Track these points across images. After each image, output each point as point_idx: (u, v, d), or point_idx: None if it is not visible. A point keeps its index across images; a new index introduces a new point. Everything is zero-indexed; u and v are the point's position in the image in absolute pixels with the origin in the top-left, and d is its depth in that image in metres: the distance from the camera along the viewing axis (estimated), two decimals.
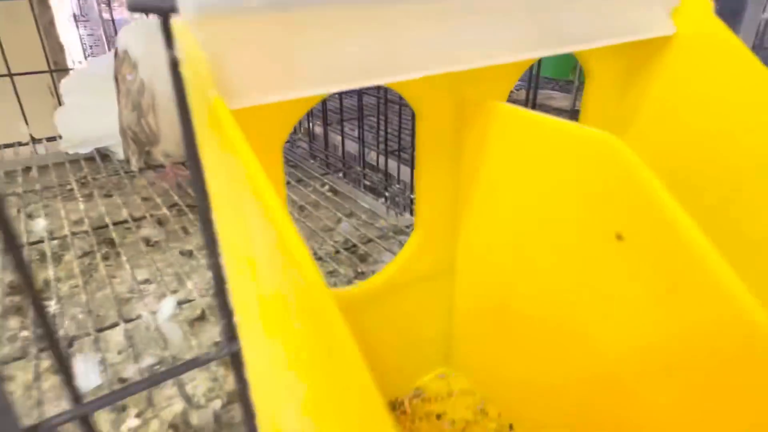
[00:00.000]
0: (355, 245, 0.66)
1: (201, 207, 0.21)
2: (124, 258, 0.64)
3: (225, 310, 0.23)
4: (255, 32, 0.17)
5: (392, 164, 0.88)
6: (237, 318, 0.23)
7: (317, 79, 0.18)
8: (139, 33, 0.70)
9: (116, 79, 0.73)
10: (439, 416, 0.34)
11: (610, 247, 0.20)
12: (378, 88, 0.94)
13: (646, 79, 0.30)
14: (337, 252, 0.64)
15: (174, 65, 0.18)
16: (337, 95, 1.02)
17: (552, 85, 1.44)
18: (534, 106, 0.64)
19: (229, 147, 0.14)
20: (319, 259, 0.63)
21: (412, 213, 0.73)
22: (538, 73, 0.60)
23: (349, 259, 0.63)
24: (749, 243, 0.26)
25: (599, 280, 0.21)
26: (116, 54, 0.72)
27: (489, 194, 0.27)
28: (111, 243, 0.69)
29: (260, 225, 0.16)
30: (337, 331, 0.14)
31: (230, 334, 0.24)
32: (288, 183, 0.85)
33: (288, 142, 1.06)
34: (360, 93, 0.88)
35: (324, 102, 1.00)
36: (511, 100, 0.30)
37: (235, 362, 0.25)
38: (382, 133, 0.93)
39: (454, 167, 0.28)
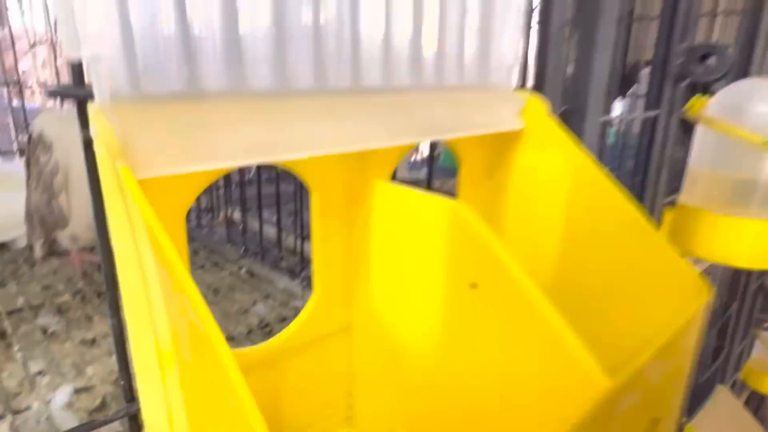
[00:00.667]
0: (268, 324, 0.66)
1: (105, 266, 0.22)
2: (15, 348, 0.60)
3: (125, 372, 0.24)
4: (160, 117, 0.20)
5: (309, 247, 0.91)
6: (139, 382, 0.24)
7: (215, 155, 0.22)
8: (54, 117, 0.71)
9: (27, 164, 0.72)
10: None
11: (467, 295, 0.24)
12: (294, 177, 0.99)
13: (506, 165, 0.36)
14: (250, 331, 0.64)
15: (87, 144, 0.20)
16: (255, 183, 1.05)
17: None
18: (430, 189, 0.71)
19: (133, 207, 0.17)
20: (232, 339, 0.63)
21: None
22: (431, 159, 0.68)
23: (262, 339, 0.63)
24: (584, 293, 0.31)
25: (462, 322, 0.25)
26: (29, 139, 0.72)
27: (377, 259, 0.31)
28: (2, 334, 0.64)
29: (160, 277, 0.18)
30: (235, 383, 0.16)
31: (130, 395, 0.25)
32: (203, 267, 0.84)
33: (205, 228, 1.06)
34: (277, 181, 0.92)
35: (242, 190, 1.03)
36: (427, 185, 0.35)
37: (133, 424, 0.25)
38: (299, 218, 0.96)
39: (346, 235, 0.32)
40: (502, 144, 0.36)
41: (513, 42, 0.34)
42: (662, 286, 0.27)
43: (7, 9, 1.44)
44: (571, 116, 0.47)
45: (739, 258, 0.67)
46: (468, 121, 0.32)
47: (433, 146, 0.97)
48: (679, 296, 0.26)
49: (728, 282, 1.43)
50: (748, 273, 1.36)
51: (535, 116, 0.34)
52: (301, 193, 0.89)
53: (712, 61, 0.58)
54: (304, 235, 0.91)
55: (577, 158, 0.31)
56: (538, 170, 0.34)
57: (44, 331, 0.65)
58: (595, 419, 0.19)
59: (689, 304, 0.25)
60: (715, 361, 1.36)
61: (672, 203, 0.71)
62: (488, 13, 0.32)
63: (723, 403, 1.25)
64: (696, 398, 1.26)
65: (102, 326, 0.66)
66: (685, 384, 0.28)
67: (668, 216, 0.71)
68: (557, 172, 0.33)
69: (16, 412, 0.47)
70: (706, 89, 0.66)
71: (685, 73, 0.60)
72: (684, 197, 0.69)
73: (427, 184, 0.70)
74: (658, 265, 0.27)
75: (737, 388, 1.62)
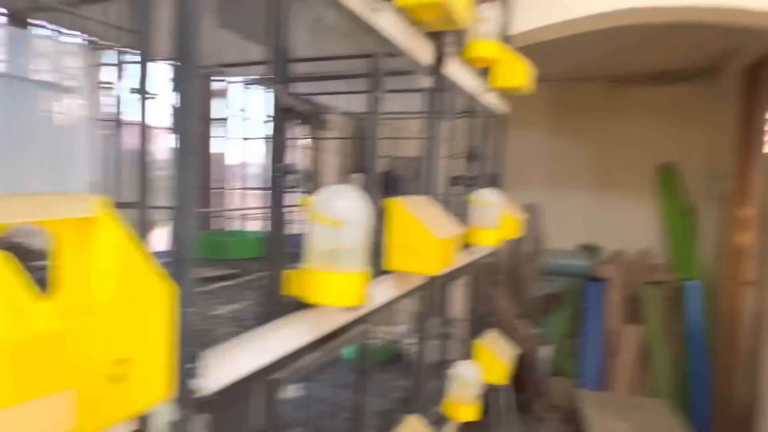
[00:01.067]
0: None
1: None
2: None
3: None
4: None
5: None
6: None
7: None
8: None
9: None
10: None
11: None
12: None
13: (93, 238, 0.59)
14: None
15: None
16: None
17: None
18: None
19: None
20: None
21: None
22: None
23: None
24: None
25: None
26: None
27: None
28: None
29: None
30: None
31: None
32: None
33: None
34: None
35: None
36: None
37: None
38: None
39: None
40: (92, 224, 0.59)
41: (86, 176, 0.59)
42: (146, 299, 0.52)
43: None
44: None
45: (336, 300, 1.00)
46: (53, 211, 0.55)
47: None
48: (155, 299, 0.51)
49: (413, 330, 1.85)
50: (424, 321, 1.80)
51: (102, 209, 0.58)
52: None
53: (293, 176, 0.92)
54: None
55: (117, 231, 0.56)
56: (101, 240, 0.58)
57: None
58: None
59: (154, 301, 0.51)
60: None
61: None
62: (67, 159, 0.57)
63: (410, 426, 1.59)
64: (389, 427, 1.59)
65: None
66: (162, 348, 0.52)
67: (294, 276, 1.01)
68: (111, 241, 0.57)
69: None
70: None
71: (282, 184, 0.93)
72: (305, 263, 1.02)
73: None
74: (148, 288, 0.53)
75: (440, 420, 2.02)
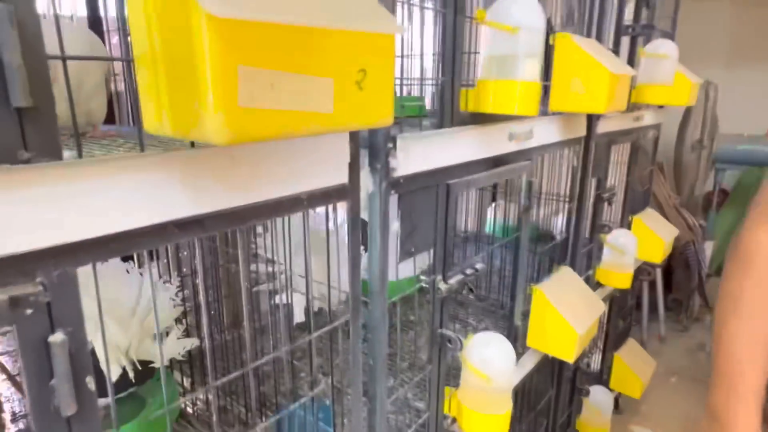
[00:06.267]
0: None
1: None
2: None
3: None
4: None
5: None
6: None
7: None
8: None
9: None
10: None
11: None
12: None
13: None
14: None
15: None
16: None
17: None
18: None
19: None
20: None
21: None
22: None
23: None
24: None
25: None
26: None
27: None
28: None
29: None
30: None
31: None
32: None
33: None
34: None
35: None
36: None
37: None
38: None
39: None
40: None
41: None
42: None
43: None
44: None
45: (512, 107, 1.02)
46: None
47: None
48: None
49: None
50: (583, 179, 1.76)
51: None
52: None
53: None
54: None
55: None
56: None
57: None
58: None
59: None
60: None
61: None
62: None
63: (565, 273, 1.63)
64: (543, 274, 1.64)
65: None
66: (388, 82, 0.59)
67: (470, 92, 1.05)
68: None
69: None
70: None
71: None
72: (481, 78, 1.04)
73: None
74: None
75: (593, 282, 2.02)
